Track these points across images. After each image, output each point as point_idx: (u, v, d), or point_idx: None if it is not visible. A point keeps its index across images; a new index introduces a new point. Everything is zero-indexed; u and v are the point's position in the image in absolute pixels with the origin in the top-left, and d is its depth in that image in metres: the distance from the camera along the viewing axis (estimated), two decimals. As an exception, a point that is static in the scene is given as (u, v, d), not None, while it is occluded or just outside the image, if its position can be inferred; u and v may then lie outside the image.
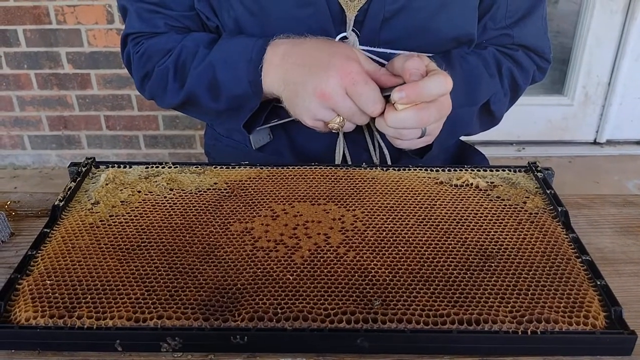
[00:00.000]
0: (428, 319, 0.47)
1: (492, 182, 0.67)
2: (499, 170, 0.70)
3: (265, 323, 0.47)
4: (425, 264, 0.53)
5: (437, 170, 0.70)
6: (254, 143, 0.83)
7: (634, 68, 2.28)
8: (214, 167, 0.70)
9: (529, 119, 2.39)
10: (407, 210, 0.62)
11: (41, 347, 0.47)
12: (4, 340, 0.47)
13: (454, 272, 0.52)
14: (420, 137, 0.66)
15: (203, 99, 0.75)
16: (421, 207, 0.62)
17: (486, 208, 0.62)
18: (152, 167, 0.69)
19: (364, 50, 0.73)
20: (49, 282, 0.51)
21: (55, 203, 0.61)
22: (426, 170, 0.70)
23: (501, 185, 0.67)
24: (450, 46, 0.77)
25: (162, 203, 0.62)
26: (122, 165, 0.70)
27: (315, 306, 0.48)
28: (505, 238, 0.57)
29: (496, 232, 0.58)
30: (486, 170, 0.70)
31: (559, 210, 0.61)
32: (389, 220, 0.60)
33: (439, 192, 0.65)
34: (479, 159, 0.91)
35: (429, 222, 0.60)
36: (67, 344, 0.47)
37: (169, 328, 0.46)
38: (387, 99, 0.63)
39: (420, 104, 0.61)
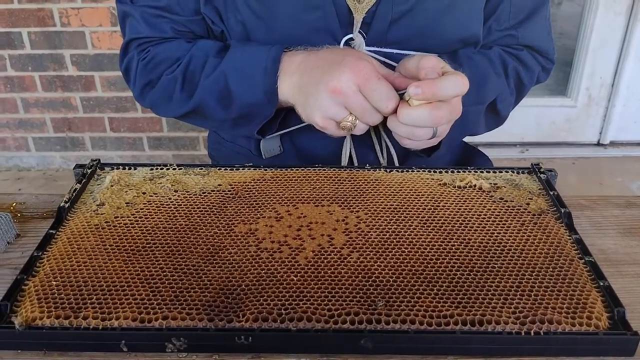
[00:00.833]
0: (431, 320, 0.47)
1: (495, 184, 0.67)
2: (502, 172, 0.70)
3: (269, 324, 0.47)
4: (429, 265, 0.54)
5: (440, 172, 0.70)
6: (265, 153, 0.82)
7: (637, 69, 2.28)
8: (218, 169, 0.70)
9: (532, 121, 2.39)
10: (411, 211, 0.62)
11: (47, 347, 0.47)
12: (10, 341, 0.47)
13: (458, 273, 0.53)
14: (431, 138, 0.65)
15: (212, 108, 0.75)
16: (424, 209, 0.62)
17: (489, 209, 0.62)
18: (157, 168, 0.70)
19: (370, 51, 0.73)
20: (54, 282, 0.51)
21: (61, 204, 0.61)
22: (429, 171, 0.70)
23: (504, 187, 0.67)
24: (456, 47, 0.77)
25: (166, 204, 0.63)
26: (127, 167, 0.70)
27: (319, 307, 0.49)
28: (509, 239, 0.57)
29: (499, 233, 0.58)
30: (489, 172, 0.70)
31: (562, 211, 0.61)
32: (392, 221, 0.60)
33: (443, 193, 0.65)
34: (482, 161, 0.91)
35: (432, 223, 0.60)
36: (73, 345, 0.47)
37: (174, 328, 0.47)
38: (400, 99, 0.63)
39: (435, 102, 0.61)
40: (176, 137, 2.28)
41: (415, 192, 0.65)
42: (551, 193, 0.64)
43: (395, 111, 0.63)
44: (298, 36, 0.72)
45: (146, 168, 0.70)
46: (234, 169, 0.70)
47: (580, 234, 0.58)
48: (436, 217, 0.61)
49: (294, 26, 0.71)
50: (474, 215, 0.61)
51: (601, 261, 0.55)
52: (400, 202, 0.63)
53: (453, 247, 0.56)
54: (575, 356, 0.47)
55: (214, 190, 0.66)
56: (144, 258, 0.54)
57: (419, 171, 0.70)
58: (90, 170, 0.69)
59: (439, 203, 0.63)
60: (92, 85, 2.17)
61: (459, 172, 0.70)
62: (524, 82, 0.83)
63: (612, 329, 0.47)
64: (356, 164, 0.80)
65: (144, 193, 0.65)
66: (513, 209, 0.62)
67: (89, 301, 0.49)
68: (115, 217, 0.60)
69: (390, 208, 0.62)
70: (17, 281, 0.51)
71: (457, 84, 0.60)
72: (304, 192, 0.65)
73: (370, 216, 0.61)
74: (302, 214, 0.61)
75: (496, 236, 0.58)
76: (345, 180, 0.68)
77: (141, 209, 0.62)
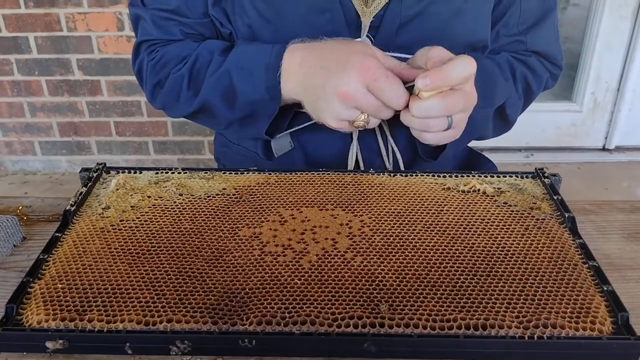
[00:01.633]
0: (435, 324, 0.47)
1: (499, 188, 0.67)
2: (506, 176, 0.70)
3: (273, 327, 0.47)
4: (432, 269, 0.54)
5: (444, 176, 0.70)
6: (276, 151, 0.82)
7: (643, 74, 2.28)
8: (223, 173, 0.70)
9: (537, 125, 2.39)
10: (415, 215, 0.62)
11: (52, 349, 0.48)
12: (16, 343, 0.48)
13: (461, 277, 0.53)
14: (447, 129, 0.64)
15: (218, 106, 0.75)
16: (428, 213, 0.62)
17: (493, 214, 0.62)
18: (162, 172, 0.70)
19: None
20: (60, 285, 0.51)
21: (67, 208, 0.61)
22: (433, 176, 0.70)
23: (508, 191, 0.67)
24: (464, 52, 0.77)
25: (171, 208, 0.63)
26: (132, 171, 0.71)
27: (322, 310, 0.49)
28: (512, 244, 0.57)
29: (503, 237, 0.58)
30: (493, 176, 0.70)
31: (566, 216, 0.61)
32: (396, 225, 0.60)
33: (446, 197, 0.65)
34: (487, 166, 0.91)
35: (436, 227, 0.60)
36: (78, 347, 0.48)
37: (179, 331, 0.47)
38: (410, 92, 0.63)
39: (446, 90, 0.61)
40: (181, 141, 2.29)
41: (419, 197, 0.65)
42: (555, 198, 0.64)
43: (407, 105, 0.63)
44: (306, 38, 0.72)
45: (151, 172, 0.70)
46: (239, 173, 0.70)
47: (584, 239, 0.58)
48: (440, 221, 0.61)
49: (301, 29, 0.71)
50: (478, 219, 0.61)
51: (605, 266, 0.55)
52: (404, 207, 0.63)
53: (457, 252, 0.56)
54: (578, 361, 0.47)
55: (219, 194, 0.66)
56: (149, 261, 0.55)
57: (422, 175, 0.70)
58: (96, 174, 0.69)
59: (443, 207, 0.63)
60: (98, 90, 2.19)
61: (463, 176, 0.70)
62: (532, 87, 0.83)
63: (615, 333, 0.47)
64: (362, 169, 0.80)
65: (149, 197, 0.65)
66: (517, 214, 0.62)
67: (94, 304, 0.49)
68: (120, 221, 0.61)
69: (394, 212, 0.62)
70: (23, 284, 0.52)
71: (464, 64, 0.60)
72: (308, 196, 0.66)
73: (374, 220, 0.61)
74: (306, 217, 0.62)
75: (500, 240, 0.58)
76: (349, 185, 0.68)
77: (146, 212, 0.62)
